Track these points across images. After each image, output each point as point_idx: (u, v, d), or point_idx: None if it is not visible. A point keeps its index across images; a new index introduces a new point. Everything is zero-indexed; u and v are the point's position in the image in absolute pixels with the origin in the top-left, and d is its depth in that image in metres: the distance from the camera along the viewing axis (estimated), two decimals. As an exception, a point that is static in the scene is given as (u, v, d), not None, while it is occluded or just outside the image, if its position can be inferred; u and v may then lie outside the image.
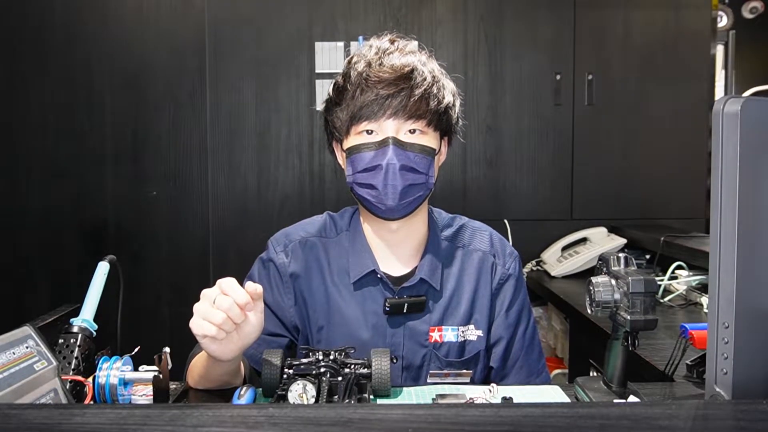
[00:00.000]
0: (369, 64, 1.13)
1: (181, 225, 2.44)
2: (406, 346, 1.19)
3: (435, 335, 1.19)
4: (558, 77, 2.48)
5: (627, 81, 2.50)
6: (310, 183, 2.46)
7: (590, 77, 2.48)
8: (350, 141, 1.15)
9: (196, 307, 0.93)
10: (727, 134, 0.66)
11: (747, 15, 3.41)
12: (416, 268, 1.20)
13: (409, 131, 1.12)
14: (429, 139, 1.14)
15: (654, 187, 2.53)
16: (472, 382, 1.20)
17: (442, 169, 1.24)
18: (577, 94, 2.49)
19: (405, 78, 1.11)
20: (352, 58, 1.18)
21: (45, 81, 2.39)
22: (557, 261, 2.34)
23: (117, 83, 2.41)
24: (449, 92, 1.18)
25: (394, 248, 1.21)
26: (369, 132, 1.12)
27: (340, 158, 1.21)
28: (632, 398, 0.95)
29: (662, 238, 1.97)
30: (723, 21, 3.29)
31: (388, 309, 1.17)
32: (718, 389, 0.68)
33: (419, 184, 1.13)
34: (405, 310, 1.17)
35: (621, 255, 0.98)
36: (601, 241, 2.34)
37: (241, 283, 0.95)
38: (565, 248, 2.38)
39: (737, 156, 0.65)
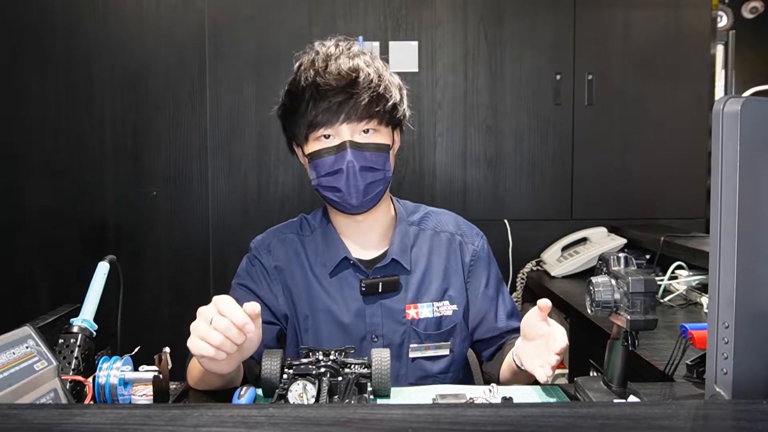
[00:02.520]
0: (317, 73, 1.19)
1: (181, 225, 2.44)
2: (385, 325, 1.25)
3: (411, 312, 1.27)
4: (558, 77, 2.48)
5: (627, 81, 2.50)
6: (310, 183, 2.46)
7: (590, 77, 2.48)
8: (310, 147, 1.23)
9: (193, 326, 0.92)
10: (727, 134, 0.66)
11: (747, 15, 3.41)
12: (387, 250, 1.28)
13: (363, 131, 1.20)
14: (382, 136, 1.22)
15: (654, 187, 2.53)
16: (452, 354, 1.28)
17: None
18: (577, 94, 2.49)
19: (353, 83, 1.18)
20: (300, 65, 1.24)
21: (45, 81, 2.39)
22: (557, 261, 2.34)
23: (117, 83, 2.40)
24: (395, 88, 1.25)
25: (362, 236, 1.30)
26: (326, 137, 1.20)
27: (302, 159, 1.29)
28: (632, 398, 0.95)
29: (662, 238, 1.97)
30: (723, 21, 3.29)
31: (363, 289, 1.24)
32: (718, 389, 0.68)
33: (378, 180, 1.21)
34: (380, 290, 1.25)
35: (621, 255, 0.98)
36: (601, 241, 2.34)
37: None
38: (565, 248, 2.38)
39: (737, 156, 0.65)
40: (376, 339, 1.25)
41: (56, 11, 2.38)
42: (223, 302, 0.92)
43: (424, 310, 1.27)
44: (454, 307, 1.29)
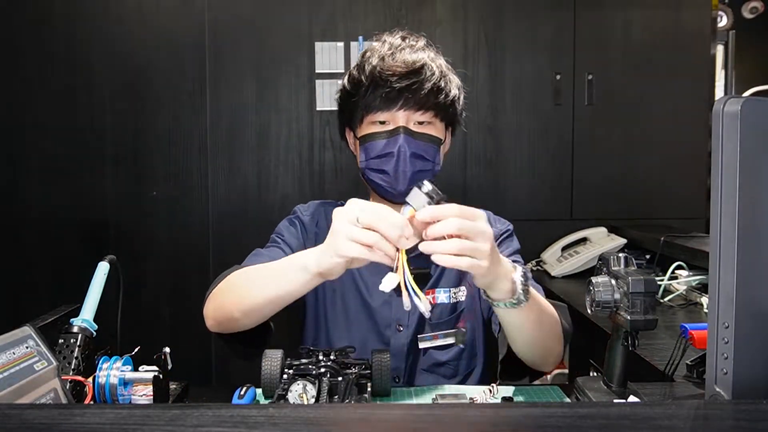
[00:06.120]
0: (382, 59, 1.22)
1: (181, 225, 2.44)
2: (411, 315, 1.26)
3: (429, 297, 1.27)
4: (558, 77, 2.48)
5: (627, 81, 2.50)
6: (310, 183, 2.46)
7: (590, 77, 2.48)
8: (363, 130, 1.24)
9: (339, 229, 0.91)
10: (727, 134, 0.66)
11: (747, 15, 3.41)
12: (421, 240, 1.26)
13: (418, 122, 1.22)
14: (436, 129, 1.24)
15: (654, 187, 2.52)
16: (457, 343, 1.27)
17: (443, 168, 1.28)
18: (577, 94, 2.49)
19: (416, 72, 1.21)
20: (365, 52, 1.27)
21: (45, 81, 2.39)
22: (557, 261, 2.34)
23: (117, 83, 2.40)
24: (455, 86, 1.27)
25: None
26: (381, 122, 1.22)
27: (352, 145, 1.31)
28: (632, 398, 0.95)
29: (662, 238, 1.97)
30: (723, 21, 3.29)
31: None
32: (718, 389, 0.68)
33: (427, 170, 1.22)
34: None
35: (621, 255, 0.98)
36: (601, 241, 2.34)
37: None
38: (565, 248, 2.38)
39: (737, 156, 0.65)
40: (401, 328, 1.26)
41: (56, 11, 2.38)
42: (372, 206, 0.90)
43: (441, 296, 1.28)
44: (465, 290, 1.29)
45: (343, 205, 1.29)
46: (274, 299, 1.04)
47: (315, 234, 1.30)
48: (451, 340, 1.27)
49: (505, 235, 1.36)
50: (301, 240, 1.29)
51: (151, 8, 2.40)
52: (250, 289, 1.06)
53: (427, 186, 0.90)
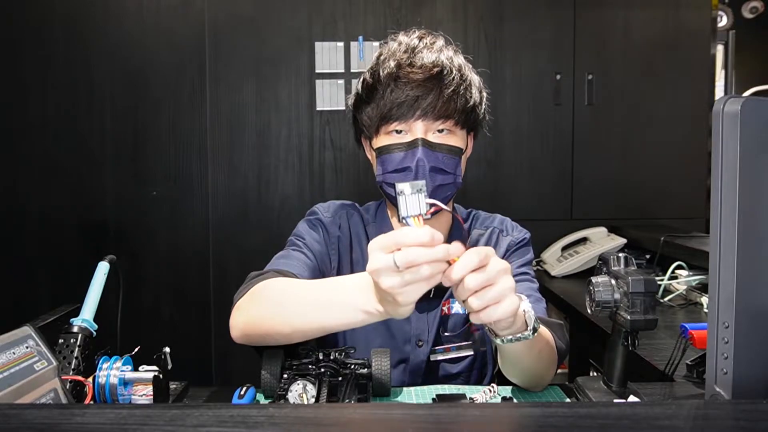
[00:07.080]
0: (399, 64, 1.14)
1: (181, 225, 2.44)
2: (431, 331, 1.23)
3: (444, 308, 1.24)
4: (558, 77, 2.48)
5: (627, 81, 2.50)
6: (310, 183, 2.46)
7: (590, 77, 2.48)
8: (380, 140, 1.17)
9: (391, 284, 0.78)
10: (727, 134, 0.66)
11: (747, 15, 3.41)
12: None
13: (438, 131, 1.14)
14: (456, 138, 1.17)
15: (654, 187, 2.53)
16: (474, 352, 1.24)
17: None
18: (577, 94, 2.49)
19: (434, 78, 1.13)
20: (380, 54, 1.19)
21: (45, 81, 2.39)
22: (557, 261, 2.34)
23: (117, 83, 2.41)
24: (476, 89, 1.20)
25: None
26: (398, 132, 1.14)
27: (369, 154, 1.24)
28: (632, 398, 0.95)
29: (662, 238, 1.97)
30: (723, 21, 3.29)
31: None
32: (718, 389, 0.68)
33: (448, 183, 1.15)
34: (431, 296, 1.21)
35: (621, 255, 0.98)
36: (601, 241, 2.34)
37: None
38: (565, 248, 2.38)
39: (737, 156, 0.65)
40: (421, 344, 1.22)
41: (56, 11, 2.38)
42: (396, 237, 0.78)
43: (456, 306, 1.23)
44: None
45: (360, 205, 1.28)
46: (329, 329, 0.96)
47: (338, 239, 1.24)
48: (463, 353, 1.24)
49: (520, 244, 1.30)
50: (323, 246, 1.23)
51: (151, 8, 2.40)
52: (301, 315, 0.96)
53: (407, 187, 0.82)
